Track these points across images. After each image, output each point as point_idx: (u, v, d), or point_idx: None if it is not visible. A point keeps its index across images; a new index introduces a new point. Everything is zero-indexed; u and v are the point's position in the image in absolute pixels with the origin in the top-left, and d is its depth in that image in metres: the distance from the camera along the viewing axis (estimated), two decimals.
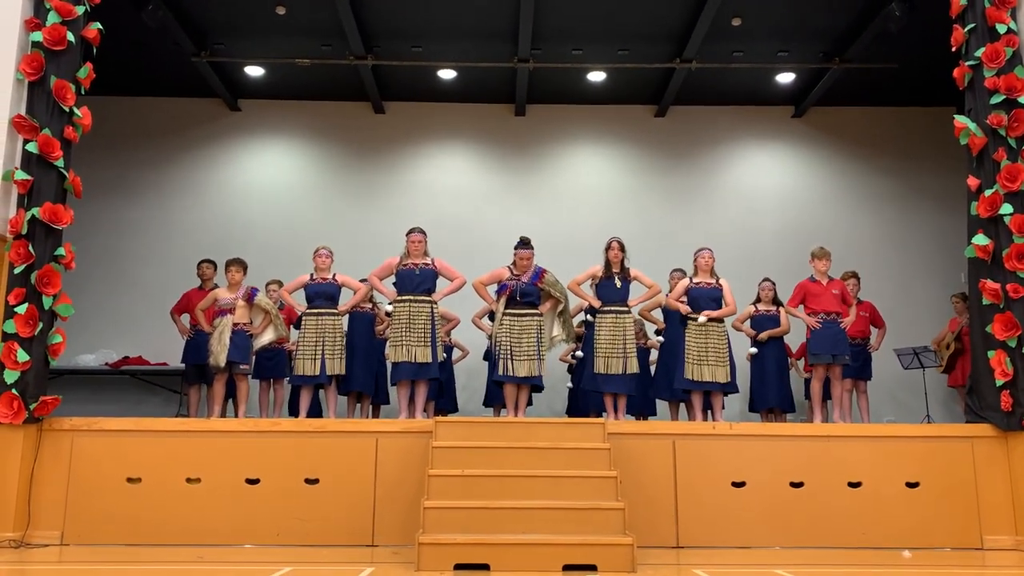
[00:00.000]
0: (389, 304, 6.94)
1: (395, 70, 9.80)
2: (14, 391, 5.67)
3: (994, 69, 6.33)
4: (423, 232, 6.99)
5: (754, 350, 7.81)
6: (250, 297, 7.06)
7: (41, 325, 5.82)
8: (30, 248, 5.84)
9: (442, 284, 6.98)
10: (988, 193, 6.21)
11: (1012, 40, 6.36)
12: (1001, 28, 6.38)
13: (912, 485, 6.01)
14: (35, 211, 5.89)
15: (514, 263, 6.87)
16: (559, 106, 10.65)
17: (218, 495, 5.84)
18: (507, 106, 10.69)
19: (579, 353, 7.59)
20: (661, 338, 7.96)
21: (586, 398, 7.64)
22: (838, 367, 7.09)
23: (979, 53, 6.39)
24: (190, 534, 5.74)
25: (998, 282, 6.10)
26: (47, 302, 5.86)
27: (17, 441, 5.72)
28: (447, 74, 9.96)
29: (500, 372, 6.63)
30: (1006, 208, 6.12)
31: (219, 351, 6.82)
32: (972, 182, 6.38)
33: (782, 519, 5.92)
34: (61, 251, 6.01)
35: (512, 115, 10.71)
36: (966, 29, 6.54)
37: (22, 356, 5.70)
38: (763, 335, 7.76)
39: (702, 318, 7.02)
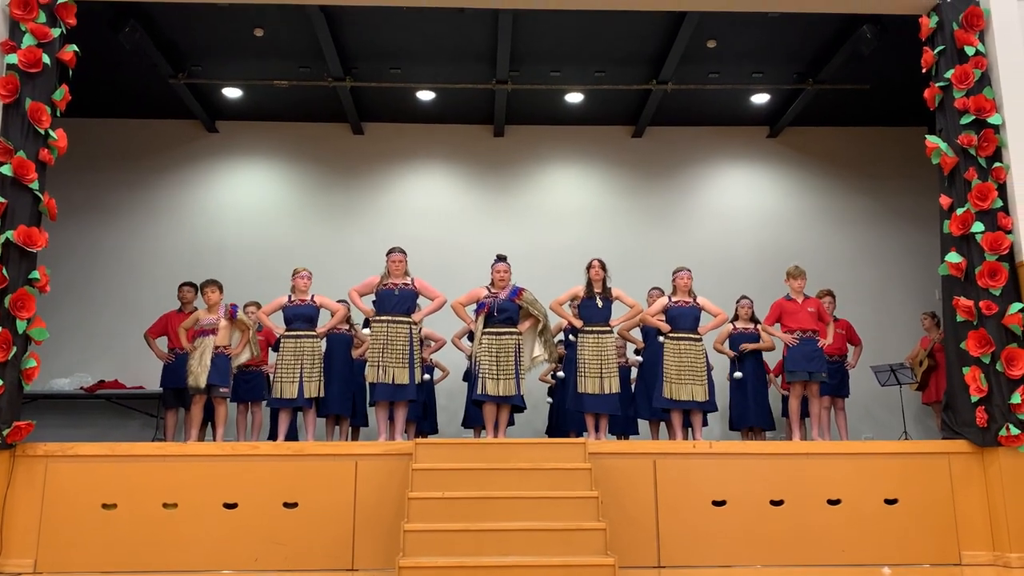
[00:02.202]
0: (365, 329, 6.91)
1: (374, 91, 9.82)
2: None
3: (963, 90, 6.45)
4: (403, 252, 6.99)
5: (739, 375, 7.84)
6: (232, 314, 7.00)
7: (15, 349, 5.73)
8: (3, 271, 5.77)
9: (422, 304, 6.98)
10: (960, 212, 6.31)
11: (980, 62, 6.49)
12: (970, 50, 6.51)
13: (890, 502, 6.04)
14: (9, 234, 5.82)
15: (492, 281, 6.89)
16: (537, 127, 10.72)
17: (195, 520, 5.76)
18: (486, 127, 10.74)
19: (560, 373, 7.59)
20: (639, 358, 7.98)
21: (567, 417, 7.64)
22: (815, 384, 7.13)
23: (949, 74, 6.52)
24: (167, 560, 5.66)
25: (971, 299, 6.19)
26: (21, 326, 5.79)
27: None
28: (426, 95, 10.00)
29: (479, 391, 6.62)
30: (977, 226, 6.22)
31: (199, 372, 6.74)
32: (944, 201, 6.48)
33: (763, 537, 5.93)
34: (35, 274, 5.94)
35: (491, 136, 10.76)
36: (936, 51, 6.66)
37: None
38: (745, 346, 7.82)
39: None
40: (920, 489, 6.06)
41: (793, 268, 7.32)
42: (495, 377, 6.60)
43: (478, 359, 6.68)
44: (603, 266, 7.04)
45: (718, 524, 5.94)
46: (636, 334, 8.05)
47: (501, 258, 6.95)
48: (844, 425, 8.24)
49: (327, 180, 10.57)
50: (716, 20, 8.24)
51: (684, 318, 7.07)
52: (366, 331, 6.87)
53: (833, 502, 6.03)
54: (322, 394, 7.02)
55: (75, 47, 6.40)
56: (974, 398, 6.08)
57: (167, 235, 10.23)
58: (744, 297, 8.14)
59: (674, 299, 7.18)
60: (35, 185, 6.00)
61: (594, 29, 8.51)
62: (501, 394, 6.59)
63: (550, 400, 8.48)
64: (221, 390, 6.90)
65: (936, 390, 8.50)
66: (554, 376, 8.17)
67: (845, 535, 5.95)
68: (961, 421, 6.25)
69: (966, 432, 6.19)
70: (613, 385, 6.78)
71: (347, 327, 7.77)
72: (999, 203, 6.25)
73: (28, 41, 6.14)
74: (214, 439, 7.06)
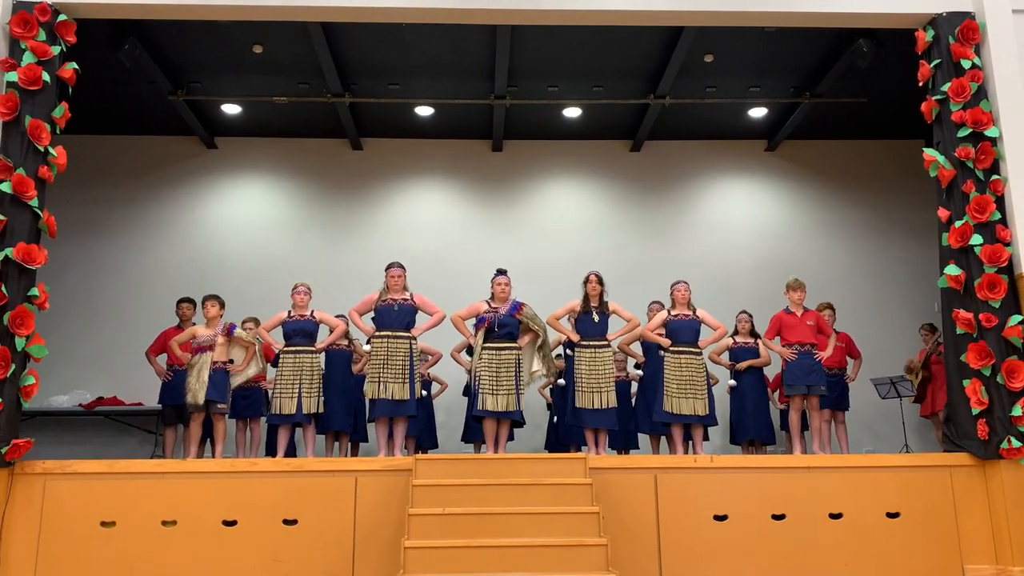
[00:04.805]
0: (367, 344, 6.90)
1: (372, 107, 9.86)
2: None
3: (960, 103, 6.48)
4: (402, 267, 6.99)
5: (733, 383, 7.84)
6: (229, 332, 6.99)
7: (13, 367, 5.73)
8: (3, 289, 5.77)
9: (421, 319, 6.97)
10: (958, 224, 6.32)
11: (977, 75, 6.52)
12: (966, 64, 6.55)
13: (892, 515, 6.02)
14: (8, 251, 5.83)
15: (492, 295, 6.89)
16: (536, 141, 10.74)
17: (195, 538, 5.74)
18: (484, 142, 10.76)
19: (561, 381, 7.55)
20: (640, 372, 7.97)
21: (567, 432, 7.62)
22: (815, 398, 7.12)
23: (945, 88, 6.55)
24: None
25: (971, 311, 6.19)
26: (20, 343, 5.78)
27: None
28: (424, 111, 10.03)
29: (479, 407, 6.61)
30: (976, 239, 6.23)
31: (197, 389, 6.71)
32: (942, 213, 6.49)
33: (765, 552, 5.90)
34: (35, 291, 5.94)
35: (489, 151, 10.79)
36: (932, 65, 6.70)
37: None
38: (742, 364, 7.81)
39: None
40: (922, 502, 6.04)
41: (793, 281, 7.32)
42: (494, 392, 6.58)
43: (478, 374, 6.66)
44: (600, 280, 7.03)
45: (720, 539, 5.92)
46: (636, 348, 8.04)
47: (501, 271, 6.95)
48: (845, 438, 8.21)
49: (326, 196, 10.58)
50: (713, 35, 8.27)
51: (684, 331, 7.06)
52: (368, 347, 6.86)
53: (835, 516, 6.01)
54: (321, 410, 7.00)
55: (75, 64, 6.43)
56: (975, 411, 6.07)
57: (166, 252, 10.23)
58: (743, 311, 8.13)
59: (673, 312, 7.17)
60: (34, 202, 6.01)
61: (592, 44, 8.55)
62: (501, 409, 6.57)
63: (555, 418, 8.44)
64: (219, 406, 6.87)
65: (932, 402, 8.48)
66: (554, 388, 8.14)
67: (847, 549, 5.92)
68: (962, 434, 6.24)
69: (967, 445, 6.17)
70: (610, 400, 6.76)
71: (346, 343, 7.76)
72: (997, 215, 6.27)
73: (28, 59, 6.17)
74: (213, 456, 7.03)
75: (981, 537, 5.97)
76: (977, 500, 6.05)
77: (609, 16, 6.98)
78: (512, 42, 8.34)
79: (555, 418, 8.34)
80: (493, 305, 6.85)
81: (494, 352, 6.68)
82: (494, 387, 6.59)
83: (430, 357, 8.19)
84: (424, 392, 7.89)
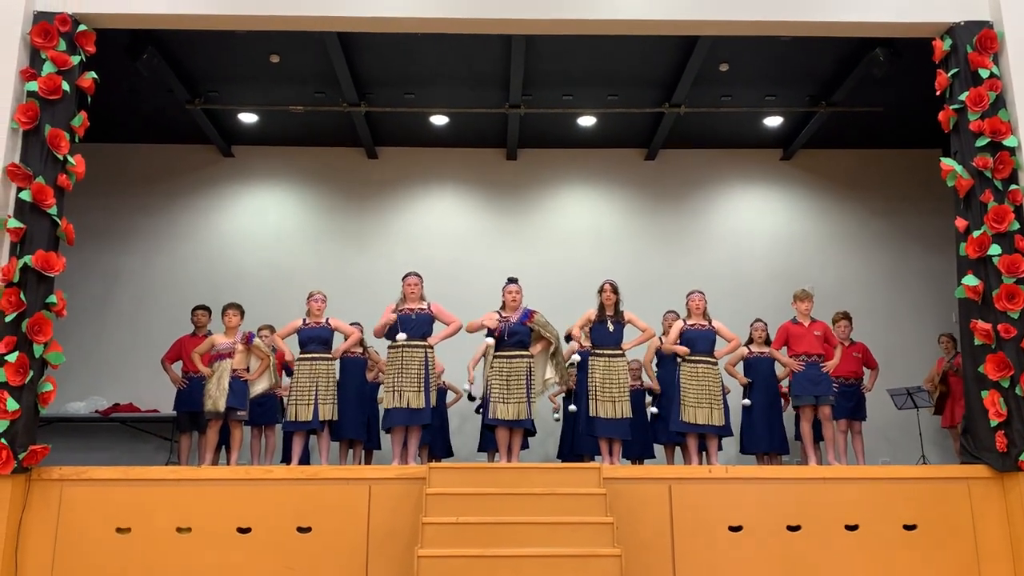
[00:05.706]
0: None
1: (388, 116, 9.89)
2: (3, 440, 5.59)
3: (978, 112, 6.43)
4: (419, 276, 7.00)
5: (747, 402, 7.74)
6: (248, 340, 7.02)
7: (31, 373, 5.77)
8: (21, 296, 5.82)
9: (438, 328, 6.97)
10: (976, 234, 6.27)
11: (995, 84, 6.47)
12: (984, 73, 6.51)
13: (909, 527, 5.97)
14: (27, 259, 5.89)
15: (503, 303, 6.89)
16: (550, 150, 10.75)
17: (209, 545, 5.75)
18: (499, 150, 10.78)
19: (572, 407, 7.55)
20: (655, 409, 7.91)
21: (580, 441, 7.60)
22: (826, 408, 7.08)
23: (963, 97, 6.51)
24: None
25: (989, 322, 6.14)
26: (38, 350, 5.83)
27: (5, 491, 5.63)
28: (439, 120, 10.06)
29: (491, 416, 6.60)
30: (994, 249, 6.18)
31: (218, 396, 6.74)
32: (960, 223, 6.44)
33: (780, 563, 5.85)
34: (52, 299, 5.99)
35: (504, 159, 10.80)
36: (950, 74, 6.66)
37: (12, 405, 5.65)
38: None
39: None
40: (939, 515, 5.98)
41: (800, 291, 7.32)
42: (505, 401, 6.57)
43: (490, 383, 6.66)
44: (615, 289, 7.02)
45: (734, 550, 5.88)
46: (651, 360, 8.02)
47: (512, 280, 6.96)
48: (861, 449, 8.14)
49: (342, 204, 10.62)
50: (728, 44, 8.26)
51: (700, 341, 7.04)
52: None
53: (851, 527, 5.96)
54: (336, 417, 7.01)
55: (94, 74, 6.49)
56: (993, 422, 6.01)
57: (182, 259, 10.30)
58: (758, 320, 8.09)
59: (689, 322, 7.15)
60: (53, 210, 6.07)
61: (607, 53, 8.55)
62: (511, 418, 6.56)
63: (557, 417, 8.39)
64: (239, 413, 6.90)
65: (952, 415, 8.40)
66: (566, 397, 8.12)
67: (864, 561, 5.87)
68: (980, 446, 6.18)
69: (986, 457, 6.11)
70: (625, 409, 6.73)
71: (361, 350, 7.78)
72: (1016, 225, 6.22)
73: (48, 69, 6.24)
74: (228, 463, 7.05)
75: (999, 550, 5.91)
76: (995, 512, 5.98)
77: (624, 26, 6.98)
78: (527, 51, 8.36)
79: (559, 417, 8.31)
80: (504, 314, 6.85)
81: (505, 360, 6.68)
82: (505, 395, 6.58)
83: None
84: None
